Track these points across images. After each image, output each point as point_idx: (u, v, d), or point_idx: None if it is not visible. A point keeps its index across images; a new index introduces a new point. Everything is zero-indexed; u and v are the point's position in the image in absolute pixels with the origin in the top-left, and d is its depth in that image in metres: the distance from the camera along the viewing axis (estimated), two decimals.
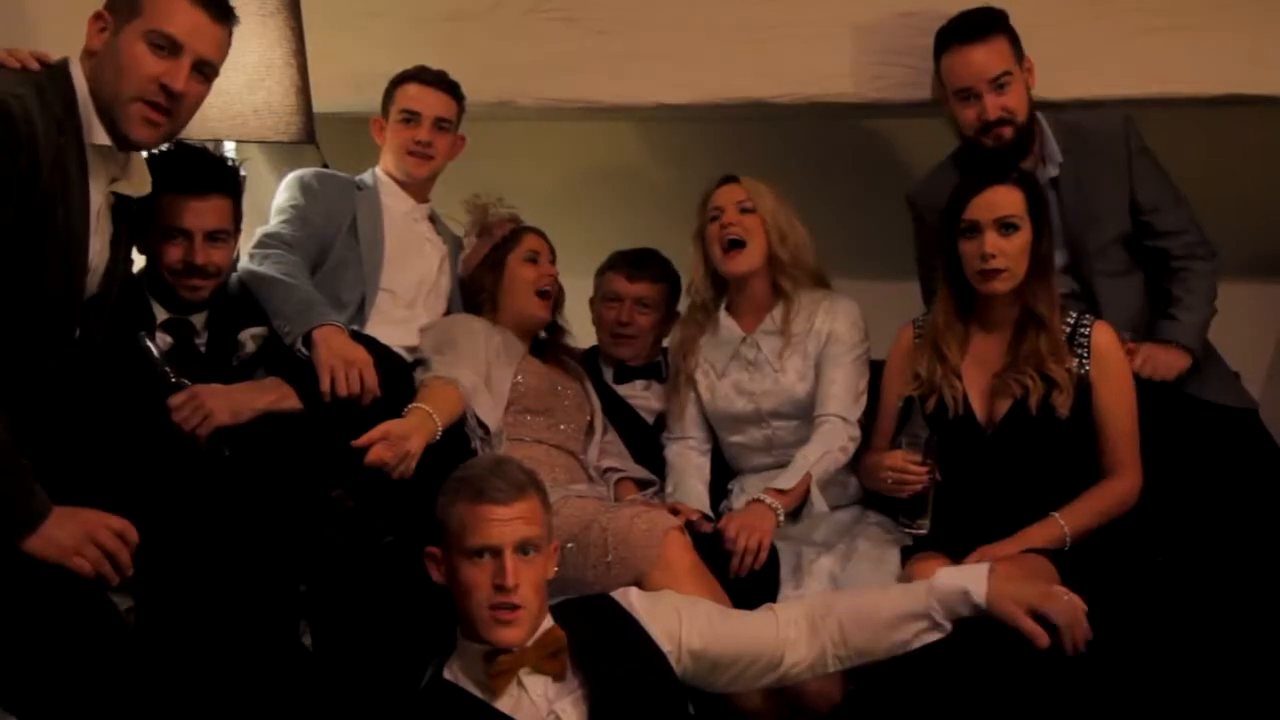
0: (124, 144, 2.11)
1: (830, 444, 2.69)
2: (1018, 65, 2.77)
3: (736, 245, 2.81)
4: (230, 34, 2.18)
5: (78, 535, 1.93)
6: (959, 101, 2.79)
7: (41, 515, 1.91)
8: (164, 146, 2.47)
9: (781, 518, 2.59)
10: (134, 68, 2.05)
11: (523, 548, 2.00)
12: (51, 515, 1.92)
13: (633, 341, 3.13)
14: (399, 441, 2.36)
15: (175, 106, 2.10)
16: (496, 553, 1.98)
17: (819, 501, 2.65)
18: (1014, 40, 2.79)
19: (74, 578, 1.92)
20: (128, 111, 2.07)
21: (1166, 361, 2.72)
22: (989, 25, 2.77)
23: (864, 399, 2.78)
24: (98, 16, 2.10)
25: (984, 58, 2.74)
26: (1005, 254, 2.49)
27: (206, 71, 2.14)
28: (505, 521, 1.99)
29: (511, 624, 1.98)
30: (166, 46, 2.07)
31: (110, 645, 1.94)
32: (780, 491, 2.62)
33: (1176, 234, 2.84)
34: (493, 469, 2.05)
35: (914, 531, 2.50)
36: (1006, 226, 2.50)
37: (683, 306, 3.07)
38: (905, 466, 2.46)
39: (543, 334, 3.01)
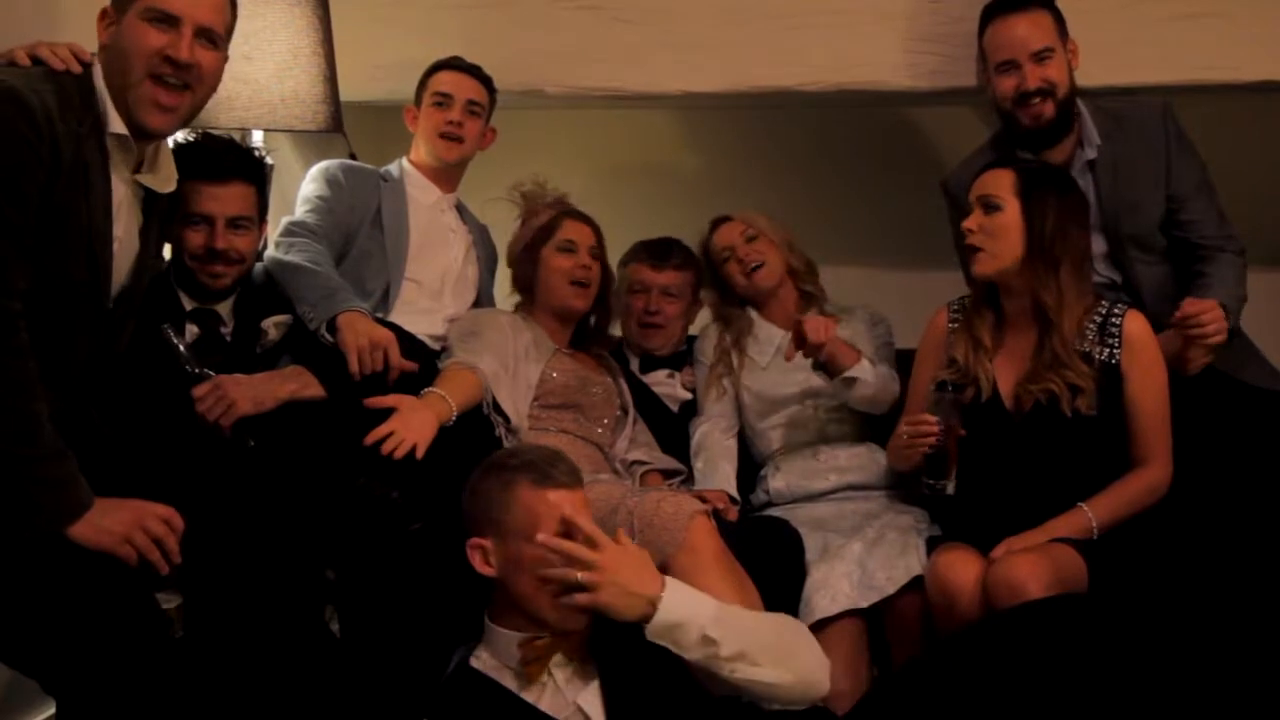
0: (141, 133, 2.12)
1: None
2: (1060, 43, 2.76)
3: (758, 268, 3.00)
4: (231, 2, 2.19)
5: (126, 522, 1.95)
6: (1000, 74, 2.77)
7: (86, 504, 1.93)
8: (190, 136, 2.49)
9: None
10: (137, 47, 2.07)
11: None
12: (96, 504, 1.94)
13: (661, 331, 3.14)
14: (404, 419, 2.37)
15: (189, 79, 2.11)
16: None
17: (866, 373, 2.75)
18: (1058, 18, 2.78)
19: (117, 565, 1.93)
20: (139, 94, 2.08)
21: (1213, 316, 2.51)
22: None
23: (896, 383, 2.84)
24: (103, 14, 2.13)
25: (1026, 29, 2.74)
26: (983, 231, 2.47)
27: (213, 39, 2.14)
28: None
29: None
30: (164, 20, 2.08)
31: (147, 632, 1.95)
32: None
33: (1202, 224, 2.79)
34: (551, 459, 2.05)
35: (939, 493, 2.45)
36: (989, 206, 2.49)
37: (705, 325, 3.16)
38: (920, 417, 2.43)
39: (591, 321, 2.99)
